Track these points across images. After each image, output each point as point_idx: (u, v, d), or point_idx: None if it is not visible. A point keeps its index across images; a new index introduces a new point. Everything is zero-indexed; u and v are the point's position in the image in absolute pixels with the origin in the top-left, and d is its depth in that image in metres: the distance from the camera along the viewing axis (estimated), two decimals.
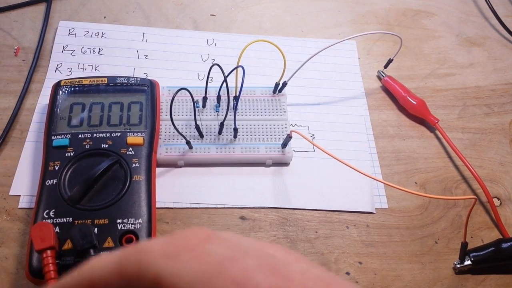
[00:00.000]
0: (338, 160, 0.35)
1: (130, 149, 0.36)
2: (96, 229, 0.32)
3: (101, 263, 0.17)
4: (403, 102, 0.46)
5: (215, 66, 0.38)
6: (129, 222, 0.33)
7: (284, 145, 0.40)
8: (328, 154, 0.35)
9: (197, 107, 0.39)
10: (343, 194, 0.40)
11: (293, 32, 0.51)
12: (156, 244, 0.16)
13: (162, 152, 0.39)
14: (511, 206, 0.41)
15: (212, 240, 0.16)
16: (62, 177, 0.34)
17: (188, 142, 0.38)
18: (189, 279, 0.15)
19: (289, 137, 0.38)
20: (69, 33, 0.47)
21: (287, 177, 0.40)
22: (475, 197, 0.37)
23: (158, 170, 0.39)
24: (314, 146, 0.42)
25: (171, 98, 0.35)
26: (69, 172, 0.35)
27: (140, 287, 0.16)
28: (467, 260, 0.36)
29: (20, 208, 0.36)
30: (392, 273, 0.36)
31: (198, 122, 0.39)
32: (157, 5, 0.52)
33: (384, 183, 0.38)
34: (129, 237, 0.32)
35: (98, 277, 0.17)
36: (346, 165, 0.35)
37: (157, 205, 0.36)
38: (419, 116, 0.45)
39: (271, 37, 0.49)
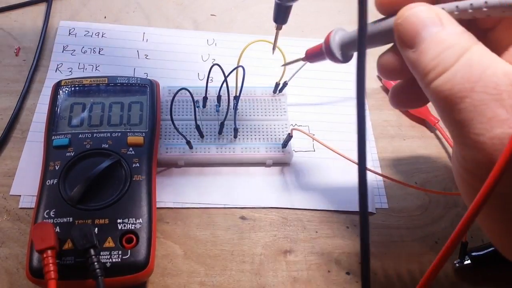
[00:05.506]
0: (338, 153, 0.35)
1: (131, 149, 0.36)
2: (96, 229, 0.32)
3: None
4: None
5: (215, 66, 0.38)
6: (129, 222, 0.33)
7: (285, 145, 0.40)
8: (328, 148, 0.35)
9: (197, 107, 0.39)
10: (343, 194, 0.40)
11: (293, 32, 0.51)
12: None
13: (163, 152, 0.39)
14: None
15: None
16: (63, 177, 0.34)
17: (188, 142, 0.38)
18: None
19: (289, 136, 0.38)
20: (70, 33, 0.47)
21: (287, 177, 0.40)
22: None
23: (158, 170, 0.39)
24: (314, 146, 0.42)
25: (171, 98, 0.35)
26: (69, 172, 0.35)
27: None
28: (467, 260, 0.36)
29: (20, 208, 0.36)
30: (392, 273, 0.36)
31: (198, 122, 0.39)
32: (157, 5, 0.52)
33: (385, 176, 0.38)
34: (129, 237, 0.32)
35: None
36: (346, 158, 0.35)
37: (157, 205, 0.36)
38: (419, 116, 0.45)
39: (271, 37, 0.49)
